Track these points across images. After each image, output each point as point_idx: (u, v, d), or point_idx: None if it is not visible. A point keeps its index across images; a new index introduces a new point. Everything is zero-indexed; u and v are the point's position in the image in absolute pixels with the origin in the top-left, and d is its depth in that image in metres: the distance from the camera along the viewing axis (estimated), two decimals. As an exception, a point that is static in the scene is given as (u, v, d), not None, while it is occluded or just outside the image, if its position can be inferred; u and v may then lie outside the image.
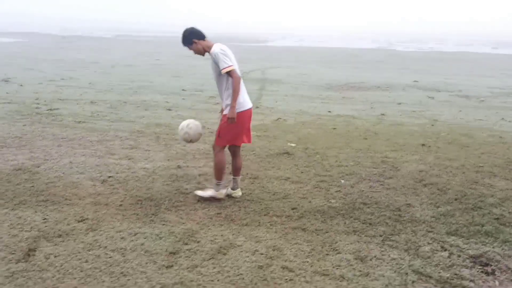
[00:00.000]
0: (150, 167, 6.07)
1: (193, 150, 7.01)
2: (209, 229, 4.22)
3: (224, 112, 4.81)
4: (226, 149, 5.00)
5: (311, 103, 12.31)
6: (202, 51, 4.78)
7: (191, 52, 4.87)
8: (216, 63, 4.65)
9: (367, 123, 9.50)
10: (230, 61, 4.63)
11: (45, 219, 4.35)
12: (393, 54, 42.02)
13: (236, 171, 5.12)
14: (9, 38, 47.03)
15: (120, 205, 4.76)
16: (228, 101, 4.73)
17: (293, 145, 7.46)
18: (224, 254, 3.71)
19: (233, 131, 4.82)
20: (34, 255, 3.65)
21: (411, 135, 8.40)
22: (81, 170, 5.86)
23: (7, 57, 24.00)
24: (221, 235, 4.08)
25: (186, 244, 3.89)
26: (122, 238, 4.00)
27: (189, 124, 4.95)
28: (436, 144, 7.66)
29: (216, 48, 4.67)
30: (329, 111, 10.99)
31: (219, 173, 4.92)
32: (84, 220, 4.36)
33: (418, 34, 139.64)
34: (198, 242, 3.94)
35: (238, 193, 5.11)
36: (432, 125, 9.42)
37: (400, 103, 12.78)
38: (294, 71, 22.11)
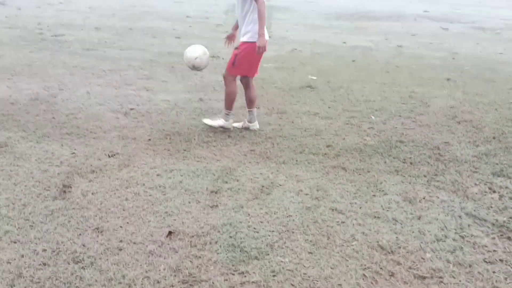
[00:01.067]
0: (172, 100, 5.82)
1: (211, 82, 6.74)
2: (246, 166, 4.06)
3: (243, 39, 4.55)
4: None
5: (323, 33, 11.85)
6: None
7: None
8: None
9: (386, 55, 9.17)
10: None
11: (73, 153, 4.17)
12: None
13: (251, 103, 4.93)
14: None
15: (149, 139, 4.57)
16: (249, 28, 4.49)
17: (314, 78, 7.19)
18: (268, 194, 3.57)
19: (250, 60, 4.62)
20: (70, 191, 3.49)
21: (433, 69, 8.12)
22: (100, 101, 5.61)
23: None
24: (260, 174, 3.92)
25: (226, 182, 3.74)
26: (158, 175, 3.84)
27: (205, 53, 4.76)
28: (462, 79, 7.41)
29: None
30: (344, 42, 10.59)
31: (230, 103, 4.78)
32: (114, 155, 4.18)
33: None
34: (238, 180, 3.79)
35: (256, 125, 4.95)
36: (453, 59, 9.12)
37: (414, 34, 12.36)
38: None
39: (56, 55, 7.70)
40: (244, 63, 4.62)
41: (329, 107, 5.79)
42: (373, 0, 22.51)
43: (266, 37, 4.61)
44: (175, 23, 12.18)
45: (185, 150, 4.37)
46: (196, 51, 4.74)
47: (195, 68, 4.84)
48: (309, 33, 11.73)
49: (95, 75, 6.76)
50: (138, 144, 4.44)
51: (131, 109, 5.43)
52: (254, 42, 4.51)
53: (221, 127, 4.82)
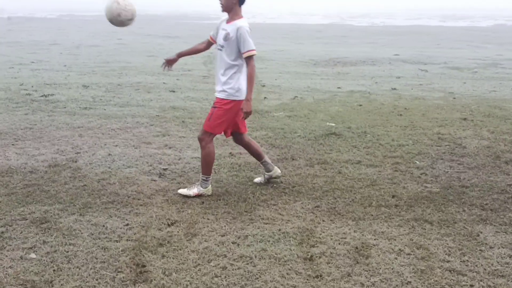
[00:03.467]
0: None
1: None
2: (323, 226, 3.71)
3: (220, 96, 4.14)
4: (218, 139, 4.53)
5: (312, 80, 11.84)
6: (227, 9, 4.06)
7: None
8: (239, 40, 3.98)
9: (387, 99, 9.16)
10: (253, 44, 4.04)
11: (127, 224, 3.69)
12: (352, 29, 42.07)
13: (259, 156, 4.56)
14: None
15: (202, 202, 4.15)
16: (231, 85, 4.09)
17: (332, 124, 6.99)
18: (367, 257, 3.22)
19: (228, 119, 4.21)
20: (148, 271, 3.01)
21: (442, 109, 8.13)
22: (127, 163, 5.15)
23: (-45, 40, 21.93)
24: (343, 233, 3.58)
25: (313, 246, 3.37)
26: (234, 243, 3.42)
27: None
28: (477, 118, 7.41)
29: (245, 24, 4.04)
30: (339, 87, 10.57)
31: (208, 167, 4.27)
32: (174, 223, 3.73)
33: (363, 9, 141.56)
34: (324, 243, 3.42)
35: (277, 171, 4.58)
36: (454, 98, 9.22)
37: (399, 77, 12.55)
38: (268, 48, 21.56)
39: (54, 116, 7.17)
40: (223, 121, 4.18)
41: (367, 154, 5.56)
42: (338, 46, 23.08)
43: (243, 96, 4.16)
44: (160, 77, 11.85)
45: (246, 211, 3.98)
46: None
47: (118, 16, 4.16)
48: (299, 80, 11.69)
49: (105, 135, 6.29)
50: (192, 209, 4.02)
51: (164, 169, 5.00)
52: (235, 101, 4.12)
53: (198, 195, 4.24)
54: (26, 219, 3.72)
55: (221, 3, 4.08)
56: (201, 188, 4.29)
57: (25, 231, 3.54)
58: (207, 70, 13.37)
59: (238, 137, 4.46)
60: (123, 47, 20.42)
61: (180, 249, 3.32)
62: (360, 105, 8.46)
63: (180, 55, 4.52)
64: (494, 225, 3.69)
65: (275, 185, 4.59)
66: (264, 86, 10.62)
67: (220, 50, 4.13)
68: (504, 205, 4.08)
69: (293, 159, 5.41)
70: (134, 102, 8.44)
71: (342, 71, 13.91)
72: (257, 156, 4.57)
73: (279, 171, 4.63)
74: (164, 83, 10.73)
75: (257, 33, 33.49)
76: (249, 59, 4.03)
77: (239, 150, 5.72)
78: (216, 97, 4.20)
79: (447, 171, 4.98)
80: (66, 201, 4.08)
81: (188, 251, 3.29)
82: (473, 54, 19.19)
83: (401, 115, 7.70)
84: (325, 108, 8.24)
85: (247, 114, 4.14)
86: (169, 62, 4.56)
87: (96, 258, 3.17)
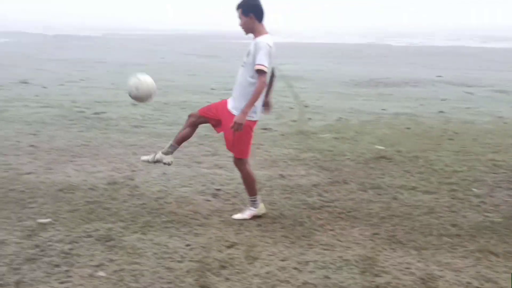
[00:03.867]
0: (254, 178, 5.46)
1: (279, 156, 6.42)
2: (385, 255, 3.66)
3: (235, 112, 4.06)
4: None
5: (355, 101, 11.78)
6: (249, 30, 4.09)
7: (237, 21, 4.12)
8: (255, 53, 3.95)
9: (435, 122, 9.01)
10: (268, 62, 3.96)
11: (188, 245, 3.75)
12: (391, 49, 41.74)
13: (182, 140, 4.49)
14: (-5, 37, 45.37)
15: (259, 225, 4.17)
16: (243, 105, 4.00)
17: (381, 147, 6.93)
18: (434, 288, 3.16)
19: (244, 139, 4.16)
20: (213, 294, 3.04)
21: (493, 134, 7.94)
22: (181, 182, 5.25)
23: (9, 58, 22.93)
24: (407, 263, 3.53)
25: (377, 276, 3.33)
26: (295, 268, 3.42)
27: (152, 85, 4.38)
28: (532, 145, 7.20)
29: (264, 39, 3.98)
30: (383, 109, 10.48)
31: (252, 189, 4.28)
32: (233, 245, 3.77)
33: (400, 28, 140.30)
34: (389, 273, 3.38)
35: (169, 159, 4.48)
36: (505, 123, 8.99)
37: (444, 99, 12.34)
38: (308, 67, 21.56)
39: (108, 134, 7.39)
40: (248, 142, 4.19)
41: (422, 180, 5.48)
42: (378, 67, 22.91)
43: (257, 117, 4.17)
44: (203, 96, 12.06)
45: (304, 236, 3.98)
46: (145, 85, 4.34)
47: (136, 98, 4.40)
48: (341, 101, 11.66)
49: (158, 153, 6.41)
50: (250, 231, 4.04)
51: (218, 189, 5.07)
52: (249, 120, 4.06)
53: (254, 216, 4.27)
54: (92, 236, 3.82)
55: (241, 28, 4.13)
56: (253, 209, 4.32)
57: (92, 248, 3.64)
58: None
59: (199, 119, 4.35)
60: (166, 66, 20.89)
61: (243, 273, 3.34)
62: (408, 128, 8.36)
63: (268, 97, 4.36)
64: None
65: (330, 209, 4.56)
66: (307, 106, 10.64)
67: (243, 66, 4.12)
68: None
69: (345, 182, 5.38)
70: (181, 121, 8.56)
71: (385, 92, 13.79)
72: (180, 139, 4.44)
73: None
74: (207, 102, 10.88)
75: (294, 52, 33.71)
76: (260, 73, 3.94)
77: (289, 171, 5.74)
78: (233, 114, 4.07)
79: (507, 200, 4.85)
80: (127, 219, 4.18)
81: (251, 275, 3.30)
82: (519, 77, 18.71)
83: (451, 139, 7.56)
84: (372, 130, 8.17)
85: (237, 125, 3.96)
86: (268, 106, 4.43)
87: (162, 278, 3.23)
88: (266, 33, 4.08)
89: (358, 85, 15.39)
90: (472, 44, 53.92)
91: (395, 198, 4.89)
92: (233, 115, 4.07)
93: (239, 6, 4.07)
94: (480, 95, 13.36)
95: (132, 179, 5.28)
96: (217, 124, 4.33)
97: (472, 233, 4.05)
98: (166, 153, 4.47)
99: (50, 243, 3.70)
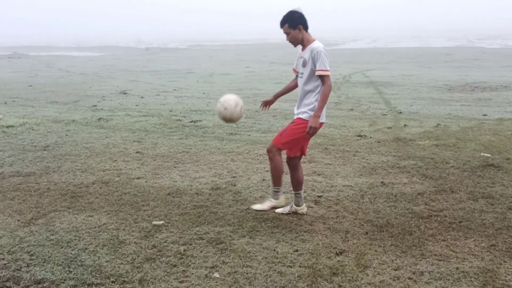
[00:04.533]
0: (353, 185, 5.40)
1: (378, 163, 6.28)
2: (507, 267, 3.45)
3: (301, 116, 4.23)
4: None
5: (451, 106, 11.25)
6: (298, 42, 4.22)
7: (284, 38, 4.24)
8: (314, 60, 4.08)
9: (545, 128, 8.37)
10: (328, 65, 4.05)
11: (296, 250, 3.78)
12: (484, 51, 39.47)
13: (298, 185, 4.48)
14: (92, 53, 48.87)
15: (366, 233, 4.10)
16: (309, 107, 4.19)
17: (487, 155, 6.55)
18: None
19: (299, 139, 4.28)
20: (328, 301, 3.03)
21: None
22: (282, 188, 5.28)
23: (107, 70, 24.59)
24: (533, 276, 3.29)
25: (501, 289, 3.14)
26: (410, 278, 3.32)
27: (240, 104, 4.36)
28: None
29: (320, 45, 4.11)
30: (484, 115, 9.92)
31: (278, 179, 4.44)
32: (342, 252, 3.74)
33: (491, 30, 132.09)
34: (512, 285, 3.17)
35: (304, 209, 4.50)
36: None
37: (551, 104, 11.43)
38: (395, 73, 20.94)
39: (205, 141, 7.65)
40: (293, 139, 4.26)
41: (538, 190, 5.10)
42: (472, 71, 21.73)
43: (323, 119, 4.26)
44: (292, 104, 12.08)
45: (414, 246, 3.85)
46: (236, 104, 4.34)
47: (227, 118, 4.41)
48: (437, 106, 11.19)
49: (255, 160, 6.55)
50: (357, 239, 3.99)
51: (319, 196, 5.05)
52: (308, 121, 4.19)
53: (273, 208, 4.48)
54: (203, 239, 3.97)
55: (289, 41, 4.23)
56: (273, 200, 4.52)
57: (204, 250, 3.77)
58: (337, 96, 13.39)
59: (294, 158, 4.46)
60: (252, 75, 21.28)
61: (356, 280, 3.30)
62: (515, 135, 7.84)
63: (277, 96, 4.66)
64: None
65: (439, 219, 4.39)
66: (401, 112, 10.33)
67: (301, 77, 4.24)
68: None
69: (452, 191, 5.15)
70: (274, 129, 8.70)
71: (483, 97, 13.05)
72: (297, 185, 4.48)
73: (306, 209, 4.52)
74: (299, 109, 10.93)
75: (380, 57, 32.97)
76: (325, 78, 4.09)
77: (391, 179, 5.60)
78: (296, 118, 4.28)
79: None
80: (234, 223, 4.30)
81: (365, 283, 3.25)
82: None
83: None
84: (474, 137, 7.76)
85: (312, 129, 4.11)
86: (267, 103, 4.72)
87: (275, 282, 3.28)
88: (314, 40, 4.21)
89: (452, 90, 14.70)
90: None
91: (510, 208, 4.60)
92: (298, 119, 4.25)
93: (285, 22, 4.18)
94: None
95: (234, 185, 5.43)
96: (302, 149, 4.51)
97: None
98: (298, 204, 4.57)
99: (165, 243, 3.89)
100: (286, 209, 4.55)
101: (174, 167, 6.23)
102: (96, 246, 3.85)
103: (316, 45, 4.15)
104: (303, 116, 4.26)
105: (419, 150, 6.91)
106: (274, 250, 3.77)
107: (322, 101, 4.15)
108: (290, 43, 4.31)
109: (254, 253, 3.72)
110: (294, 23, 4.16)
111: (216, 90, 15.35)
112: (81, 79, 19.50)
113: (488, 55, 34.13)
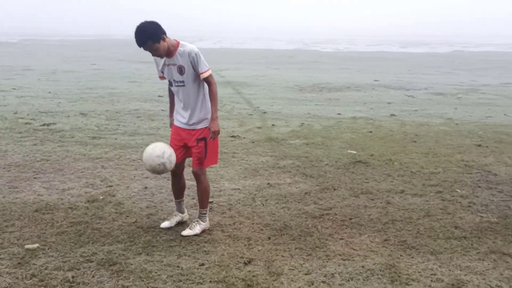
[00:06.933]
0: (241, 188, 5.28)
1: (259, 164, 6.26)
2: (404, 261, 3.62)
3: (202, 126, 3.93)
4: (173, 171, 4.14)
5: (308, 106, 11.88)
6: (167, 50, 3.76)
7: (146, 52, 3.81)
8: (194, 64, 3.78)
9: (393, 125, 9.26)
10: (207, 63, 3.89)
11: (202, 264, 3.49)
12: (321, 54, 42.99)
13: (182, 192, 4.26)
14: None
15: (268, 238, 3.98)
16: (204, 113, 3.92)
17: (354, 152, 6.97)
18: (468, 292, 3.14)
19: (215, 147, 4.04)
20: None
21: (451, 135, 8.28)
22: (168, 196, 4.93)
23: None
24: (430, 269, 3.50)
25: (408, 284, 3.27)
26: (324, 282, 3.29)
27: (171, 155, 3.84)
28: (490, 144, 7.58)
29: (191, 45, 3.81)
30: (339, 114, 10.65)
31: (207, 200, 4.13)
32: (250, 261, 3.56)
33: (322, 35, 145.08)
34: (417, 280, 3.33)
35: (187, 216, 4.31)
36: (457, 124, 9.43)
37: (390, 103, 12.78)
38: (248, 73, 21.57)
39: (66, 147, 6.85)
40: (215, 150, 4.05)
41: (406, 183, 5.55)
42: (315, 72, 23.37)
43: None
44: (154, 104, 11.61)
45: (317, 247, 3.85)
46: (161, 155, 3.77)
47: (157, 172, 3.92)
48: (295, 106, 11.70)
49: (129, 166, 6.03)
50: (261, 245, 3.85)
51: (210, 202, 4.79)
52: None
53: (203, 230, 4.04)
54: (92, 261, 3.45)
55: (159, 55, 3.77)
56: (203, 223, 4.08)
57: (97, 274, 3.28)
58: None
59: (181, 165, 4.18)
60: (101, 73, 20.00)
61: (274, 291, 3.14)
62: (370, 132, 8.51)
63: (171, 114, 4.17)
64: None
65: (331, 217, 4.47)
66: (265, 112, 10.56)
67: (182, 85, 3.85)
68: None
69: (334, 189, 5.32)
70: (142, 131, 8.18)
71: (332, 97, 14.05)
72: (180, 192, 4.22)
73: (188, 216, 4.32)
74: (162, 110, 10.50)
75: (230, 58, 33.71)
76: (209, 77, 3.85)
77: (275, 180, 5.60)
78: (196, 130, 3.93)
79: (492, 200, 5.01)
80: (125, 240, 3.84)
81: (284, 293, 3.11)
82: (448, 80, 19.87)
83: (415, 141, 7.78)
84: (337, 135, 8.23)
85: (216, 133, 3.89)
86: (171, 125, 4.20)
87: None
88: (178, 42, 3.83)
89: (303, 91, 15.56)
90: (393, 49, 56.87)
91: (389, 203, 4.90)
92: (200, 129, 3.94)
93: (146, 39, 3.65)
94: (421, 97, 13.99)
95: (113, 195, 4.89)
96: (187, 154, 4.11)
97: (476, 234, 4.12)
98: (181, 211, 4.26)
99: (47, 271, 3.29)
100: (173, 221, 4.19)
101: (35, 178, 5.42)
102: (-46, 284, 3.09)
103: (189, 48, 3.78)
104: (205, 124, 3.94)
105: (293, 150, 7.07)
106: (178, 267, 3.43)
107: (215, 101, 3.91)
108: (158, 56, 3.80)
109: (156, 272, 3.33)
110: (156, 37, 3.66)
111: (64, 89, 14.05)
112: None
113: (324, 58, 37.22)
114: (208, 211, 4.15)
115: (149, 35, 3.66)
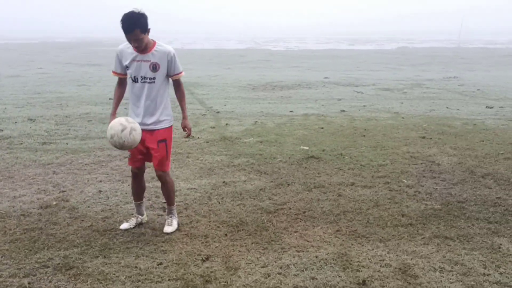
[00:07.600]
0: (198, 187, 5.34)
1: (214, 164, 6.34)
2: (355, 249, 3.80)
3: (161, 126, 3.95)
4: (132, 171, 4.23)
5: (260, 104, 12.03)
6: (145, 45, 3.77)
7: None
8: (171, 64, 3.86)
9: (343, 121, 9.54)
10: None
11: (160, 263, 3.54)
12: (272, 53, 43.31)
13: (142, 194, 4.31)
14: None
15: (225, 234, 4.07)
16: (166, 112, 3.97)
17: (306, 148, 7.17)
18: (416, 277, 3.37)
19: (170, 148, 4.11)
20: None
21: (398, 129, 8.63)
22: (123, 198, 4.94)
23: None
24: (379, 255, 3.70)
25: (359, 271, 3.45)
26: (280, 273, 3.41)
27: (134, 123, 3.74)
28: (433, 136, 7.96)
29: (169, 47, 3.88)
30: (291, 111, 10.85)
31: (174, 196, 4.28)
32: (208, 258, 3.64)
33: (272, 34, 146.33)
34: (367, 266, 3.51)
35: (146, 218, 4.37)
36: (403, 118, 9.82)
37: (339, 99, 13.12)
38: (200, 73, 21.53)
39: (15, 153, 6.67)
40: (170, 152, 4.11)
41: (356, 175, 5.78)
42: (267, 71, 23.62)
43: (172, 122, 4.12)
44: (104, 107, 11.42)
45: (273, 240, 3.98)
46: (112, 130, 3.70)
47: (119, 147, 3.75)
48: (248, 105, 11.82)
49: (82, 170, 5.96)
50: (218, 242, 3.94)
51: (165, 202, 4.83)
52: (171, 126, 4.06)
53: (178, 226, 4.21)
54: (48, 267, 3.43)
55: (138, 46, 3.73)
56: (176, 217, 4.26)
57: (54, 279, 3.27)
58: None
59: (142, 168, 4.20)
60: (47, 77, 19.41)
61: (230, 285, 3.24)
62: (322, 128, 8.74)
63: (115, 112, 4.08)
64: (507, 237, 3.99)
65: (285, 211, 4.61)
66: (218, 112, 10.62)
67: (151, 82, 3.85)
68: (504, 217, 4.43)
69: (288, 184, 5.47)
70: (94, 135, 8.07)
71: (284, 95, 14.26)
72: (141, 194, 4.26)
73: (147, 218, 4.37)
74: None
75: (180, 59, 33.40)
76: (180, 79, 4.03)
77: (230, 178, 5.69)
78: (158, 130, 3.94)
79: (436, 188, 5.30)
80: (81, 244, 3.82)
81: (240, 286, 3.22)
82: (395, 76, 20.58)
83: (364, 136, 8.06)
84: (290, 132, 8.41)
85: (191, 130, 4.14)
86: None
87: (150, 303, 3.00)
88: (154, 41, 3.87)
89: (256, 89, 15.71)
90: (342, 47, 58.12)
91: (340, 195, 5.09)
92: (163, 129, 3.97)
93: (135, 26, 3.62)
94: (369, 93, 14.44)
95: (66, 201, 4.84)
96: (148, 158, 4.12)
97: (421, 221, 4.37)
98: (141, 213, 4.31)
99: (1, 278, 3.25)
100: (132, 223, 4.21)
101: (-17, 186, 5.27)
102: None
103: (168, 48, 3.85)
104: (167, 124, 3.97)
105: (247, 148, 7.18)
106: (136, 267, 3.47)
107: (184, 101, 4.14)
108: (135, 49, 3.77)
109: (114, 274, 3.36)
110: (145, 28, 3.68)
111: (9, 94, 13.57)
112: None
113: (275, 56, 37.55)
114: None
115: (140, 24, 3.67)
